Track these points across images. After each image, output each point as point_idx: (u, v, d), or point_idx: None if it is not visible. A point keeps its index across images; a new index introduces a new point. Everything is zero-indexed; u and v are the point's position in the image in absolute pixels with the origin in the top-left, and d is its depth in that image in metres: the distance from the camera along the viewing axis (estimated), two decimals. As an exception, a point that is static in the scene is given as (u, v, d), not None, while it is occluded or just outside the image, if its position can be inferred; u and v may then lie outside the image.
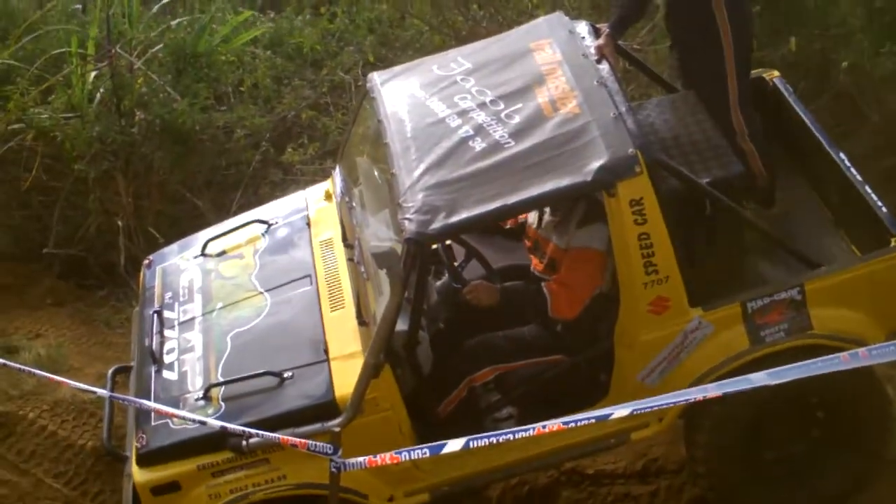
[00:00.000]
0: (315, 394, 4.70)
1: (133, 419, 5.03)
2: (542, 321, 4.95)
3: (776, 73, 5.75)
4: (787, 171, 5.58)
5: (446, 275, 5.24)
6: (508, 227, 5.36)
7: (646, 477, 5.73)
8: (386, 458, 4.11)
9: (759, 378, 3.66)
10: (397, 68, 5.38)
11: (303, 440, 4.29)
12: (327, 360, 4.80)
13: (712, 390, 3.81)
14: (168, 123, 7.32)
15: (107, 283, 7.42)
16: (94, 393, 4.83)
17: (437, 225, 4.46)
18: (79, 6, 8.23)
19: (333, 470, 4.24)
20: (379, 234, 4.85)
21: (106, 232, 7.44)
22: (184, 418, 4.65)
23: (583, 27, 5.19)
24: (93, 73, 7.60)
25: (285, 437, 4.38)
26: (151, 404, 4.78)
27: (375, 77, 5.26)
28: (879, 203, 4.93)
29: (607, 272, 4.81)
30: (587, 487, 5.75)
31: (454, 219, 4.47)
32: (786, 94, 5.56)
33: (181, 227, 7.30)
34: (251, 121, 7.57)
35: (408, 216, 4.48)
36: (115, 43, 7.54)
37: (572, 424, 3.92)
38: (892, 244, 4.76)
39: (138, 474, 4.75)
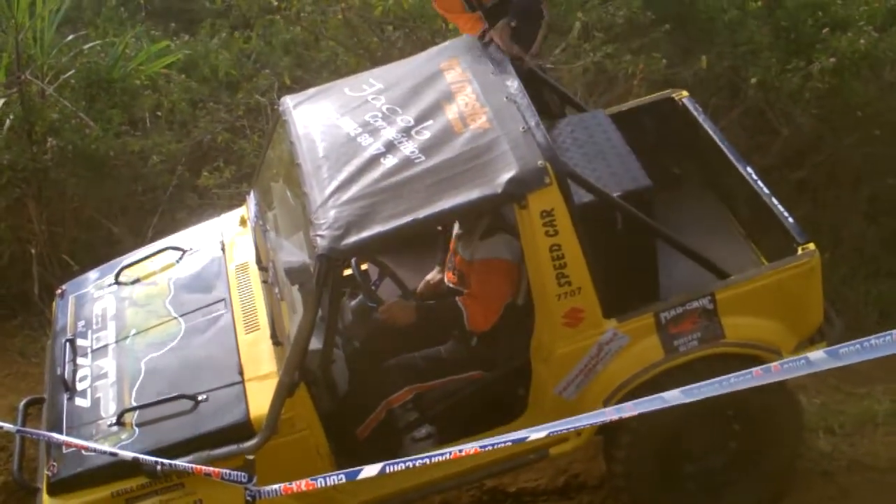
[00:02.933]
0: (230, 415, 4.66)
1: (44, 449, 4.93)
2: (459, 337, 4.96)
3: (685, 93, 5.86)
4: (698, 187, 5.68)
5: (361, 294, 5.24)
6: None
7: (567, 493, 5.74)
8: (301, 485, 4.08)
9: (674, 396, 3.65)
10: (309, 91, 5.38)
11: (216, 469, 4.24)
12: (242, 381, 4.76)
13: (627, 410, 3.80)
14: (81, 150, 7.22)
15: (20, 312, 7.27)
16: (1, 427, 4.73)
17: (349, 240, 4.45)
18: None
19: (248, 498, 4.19)
20: (293, 255, 4.82)
21: (19, 260, 7.31)
22: (94, 450, 4.55)
23: (493, 49, 5.23)
24: (1, 100, 7.47)
25: (199, 467, 4.32)
26: (59, 437, 4.68)
27: (288, 100, 5.27)
28: (786, 213, 5.03)
29: (521, 281, 4.84)
30: (509, 505, 5.77)
31: (366, 234, 4.46)
32: (695, 113, 5.66)
33: (97, 253, 7.20)
34: (166, 146, 7.51)
35: (319, 232, 4.47)
36: (26, 69, 7.42)
37: (488, 447, 3.92)
38: (799, 252, 4.87)
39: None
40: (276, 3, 8.16)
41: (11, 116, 7.37)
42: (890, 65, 7.06)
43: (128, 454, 4.42)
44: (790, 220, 5.00)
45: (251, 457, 4.21)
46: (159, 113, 7.85)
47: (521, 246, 4.71)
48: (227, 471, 4.20)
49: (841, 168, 7.28)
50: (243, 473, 4.15)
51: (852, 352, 3.20)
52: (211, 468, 4.26)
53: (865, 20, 7.11)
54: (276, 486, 4.09)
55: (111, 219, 7.46)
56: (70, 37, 7.98)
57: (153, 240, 6.88)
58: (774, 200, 5.11)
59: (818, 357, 3.31)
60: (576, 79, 7.20)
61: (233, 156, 7.58)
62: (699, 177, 5.71)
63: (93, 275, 5.69)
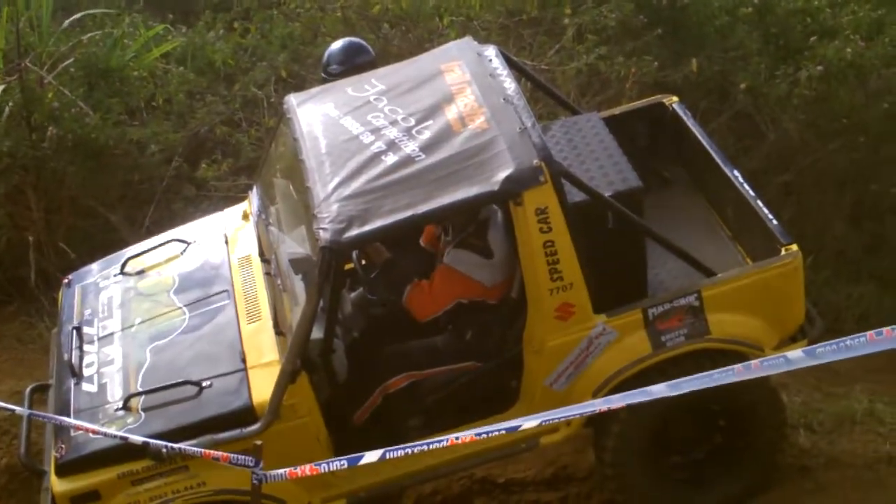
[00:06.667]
0: (233, 401, 4.80)
1: (51, 433, 5.05)
2: (454, 330, 5.11)
3: (675, 98, 6.00)
4: (687, 189, 5.82)
5: (360, 287, 5.38)
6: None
7: (555, 484, 5.86)
8: (306, 469, 4.19)
9: (659, 390, 3.78)
10: (313, 91, 5.51)
11: (225, 454, 4.36)
12: (245, 368, 4.90)
13: (616, 401, 3.94)
14: (80, 138, 7.26)
15: (16, 298, 7.34)
16: (13, 410, 4.85)
17: (351, 233, 4.59)
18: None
19: (255, 482, 4.31)
20: (295, 248, 4.97)
21: (16, 247, 7.35)
22: (105, 434, 4.67)
23: (491, 50, 5.37)
24: (1, 87, 7.52)
25: (208, 451, 4.45)
26: (71, 421, 4.80)
27: (292, 99, 5.39)
28: (770, 216, 5.17)
29: (476, 291, 4.98)
30: (498, 495, 5.87)
31: (367, 227, 4.61)
32: (684, 117, 5.80)
33: (93, 242, 7.28)
34: (164, 136, 7.54)
35: (322, 225, 4.61)
36: (25, 56, 7.48)
37: (484, 436, 4.05)
38: (782, 253, 5.01)
39: (57, 484, 4.78)
40: (275, -2, 8.30)
41: (11, 104, 7.39)
42: (876, 73, 7.19)
43: (138, 438, 4.54)
44: (774, 222, 5.14)
45: (259, 442, 4.33)
46: (155, 103, 7.89)
47: (488, 265, 4.90)
48: (236, 455, 4.32)
49: (826, 173, 7.37)
50: (251, 458, 4.27)
51: (829, 351, 3.33)
52: (219, 452, 4.38)
53: (852, 29, 7.25)
54: (282, 471, 4.21)
55: (108, 207, 7.50)
56: (66, 23, 8.02)
57: (150, 229, 7.02)
58: (759, 203, 5.25)
59: (796, 356, 3.44)
60: (569, 80, 7.31)
61: (229, 148, 7.63)
62: (688, 179, 5.84)
63: (98, 265, 5.80)
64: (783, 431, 5.43)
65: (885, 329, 3.24)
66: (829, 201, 7.40)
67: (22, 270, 7.34)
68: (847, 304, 6.99)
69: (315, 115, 5.18)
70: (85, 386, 5.05)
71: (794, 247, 5.02)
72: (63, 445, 4.82)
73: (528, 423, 4.04)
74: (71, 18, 8.09)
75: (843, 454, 5.86)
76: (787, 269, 5.00)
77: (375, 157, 4.85)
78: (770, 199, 5.44)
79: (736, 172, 5.43)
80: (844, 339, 3.30)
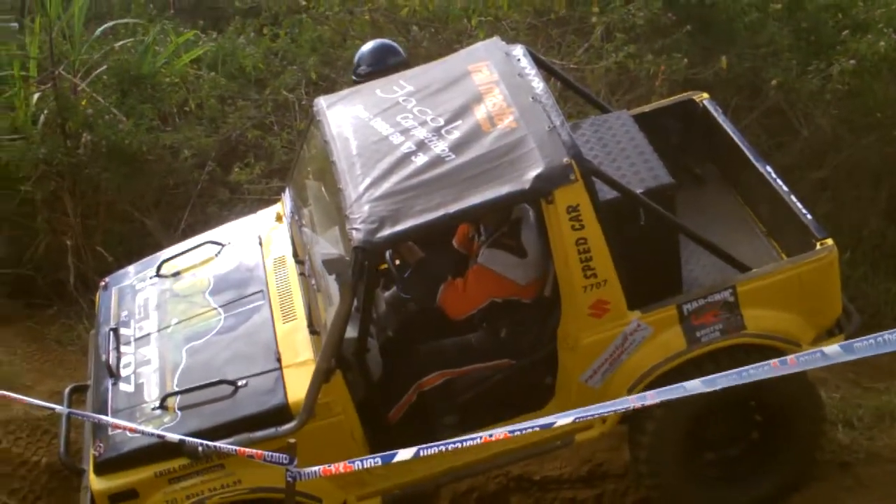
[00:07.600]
0: (269, 400, 4.83)
1: (90, 432, 5.12)
2: (488, 328, 5.11)
3: (706, 95, 5.99)
4: (720, 186, 5.80)
5: (394, 286, 5.40)
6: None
7: (591, 481, 5.87)
8: (340, 467, 4.22)
9: (694, 386, 3.77)
10: (343, 93, 5.55)
11: (259, 451, 4.40)
12: (280, 367, 4.93)
13: (650, 398, 3.93)
14: (114, 144, 7.34)
15: (56, 301, 7.43)
16: (53, 409, 4.93)
17: (383, 233, 4.62)
18: (14, 24, 8.24)
19: (290, 479, 4.35)
20: (328, 249, 5.00)
21: (55, 251, 7.46)
22: (143, 432, 4.73)
23: (518, 50, 5.39)
24: (36, 95, 7.61)
25: (242, 449, 4.49)
26: (109, 419, 4.86)
27: (321, 101, 5.43)
28: (804, 210, 5.15)
29: (510, 290, 4.99)
30: (535, 493, 5.88)
31: (399, 227, 4.64)
32: (715, 114, 5.79)
33: (130, 245, 7.38)
34: (197, 141, 7.61)
35: (355, 226, 4.65)
36: (58, 65, 7.57)
37: (517, 432, 4.06)
38: (817, 247, 4.99)
39: (96, 483, 4.85)
40: (304, 3, 8.33)
41: (46, 111, 7.50)
42: (910, 67, 7.15)
43: (174, 436, 4.59)
44: (808, 216, 5.12)
45: (293, 440, 4.36)
46: (187, 109, 7.95)
47: (522, 264, 4.92)
48: (270, 453, 4.36)
49: (860, 168, 7.31)
50: (285, 455, 4.31)
51: (867, 346, 3.31)
52: (254, 450, 4.42)
53: (885, 22, 7.19)
54: (315, 468, 4.24)
55: (144, 212, 7.59)
56: (98, 31, 8.10)
57: (185, 232, 7.08)
58: (793, 198, 5.23)
59: (833, 351, 3.42)
60: (598, 79, 7.31)
61: (262, 151, 7.69)
62: (720, 176, 5.83)
63: (134, 268, 5.88)
64: (821, 427, 5.40)
65: (924, 324, 3.23)
66: (864, 196, 7.35)
67: (61, 274, 7.45)
68: (886, 298, 6.93)
69: (345, 117, 5.21)
70: (122, 386, 5.11)
71: (829, 241, 5.00)
72: (101, 444, 4.89)
73: (563, 419, 4.04)
74: (103, 27, 8.17)
75: (884, 450, 5.82)
76: (822, 264, 4.98)
77: (405, 158, 4.88)
78: (805, 196, 5.41)
79: (769, 168, 5.41)
80: (882, 333, 3.28)
